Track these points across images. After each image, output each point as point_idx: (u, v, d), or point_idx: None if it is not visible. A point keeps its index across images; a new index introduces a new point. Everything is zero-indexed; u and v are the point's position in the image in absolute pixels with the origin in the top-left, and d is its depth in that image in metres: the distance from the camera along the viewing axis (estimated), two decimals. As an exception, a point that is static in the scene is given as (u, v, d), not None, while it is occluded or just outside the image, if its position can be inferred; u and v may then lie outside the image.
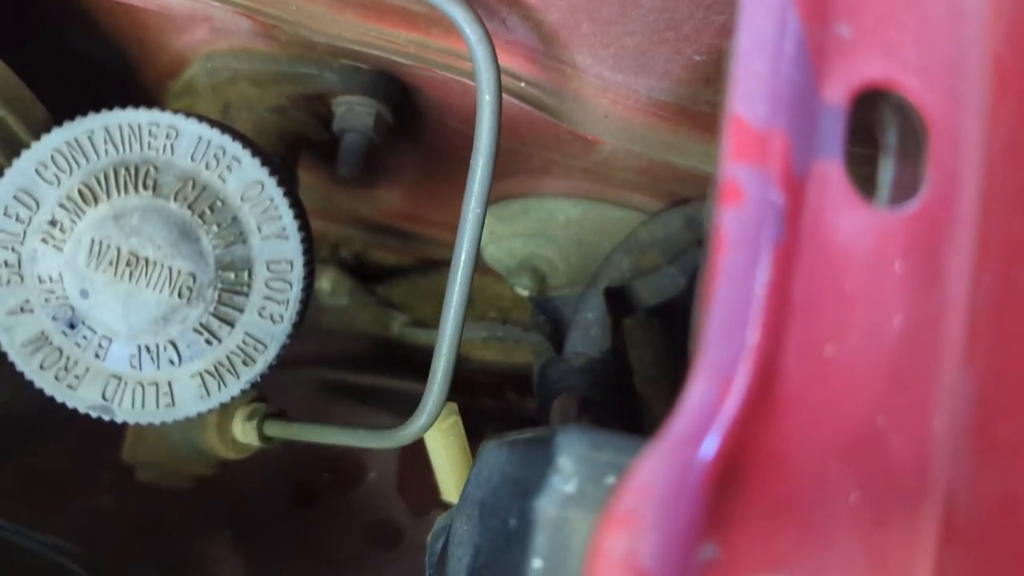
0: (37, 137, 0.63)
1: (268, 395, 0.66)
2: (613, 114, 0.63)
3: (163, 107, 0.81)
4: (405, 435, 0.58)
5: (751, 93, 0.28)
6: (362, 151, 0.71)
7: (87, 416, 0.45)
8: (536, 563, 0.37)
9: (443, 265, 1.09)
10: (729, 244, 0.27)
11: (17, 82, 0.61)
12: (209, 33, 0.69)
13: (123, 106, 0.79)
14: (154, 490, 0.76)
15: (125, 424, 0.47)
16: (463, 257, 0.54)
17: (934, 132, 0.31)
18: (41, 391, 0.46)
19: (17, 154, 0.61)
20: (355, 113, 0.70)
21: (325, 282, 1.03)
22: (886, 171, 0.32)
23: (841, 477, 0.29)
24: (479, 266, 0.62)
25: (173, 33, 0.70)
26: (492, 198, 0.54)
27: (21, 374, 0.47)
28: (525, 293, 0.86)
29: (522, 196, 0.83)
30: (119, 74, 0.77)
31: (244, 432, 0.64)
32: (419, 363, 1.00)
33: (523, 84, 0.61)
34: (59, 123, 0.66)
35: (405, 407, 0.99)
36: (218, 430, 0.64)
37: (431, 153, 0.83)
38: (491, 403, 1.01)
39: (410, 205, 0.97)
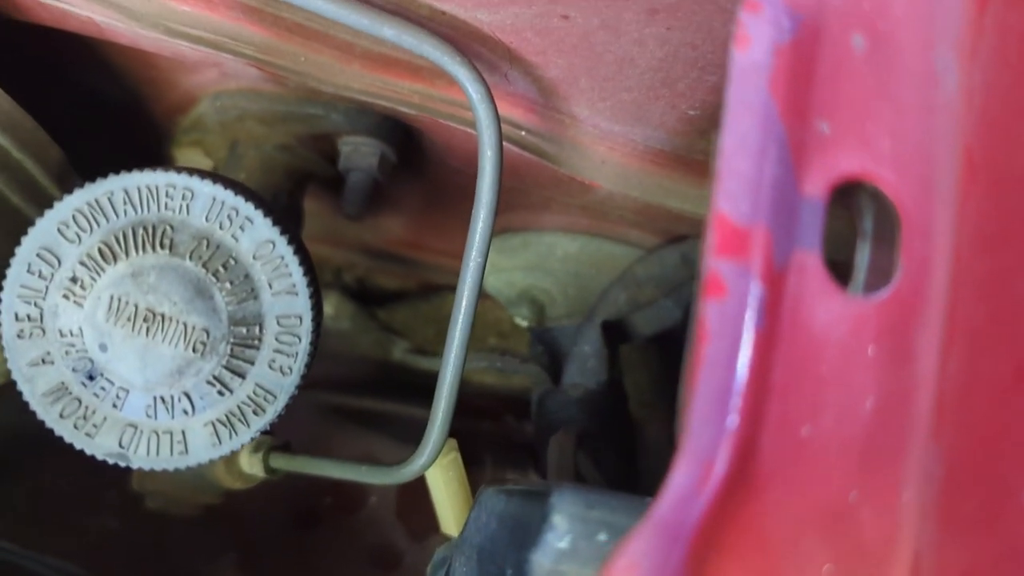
0: (54, 178, 0.65)
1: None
2: (610, 161, 0.65)
3: (172, 139, 0.83)
4: (407, 472, 0.60)
5: (734, 192, 0.30)
6: (367, 191, 0.73)
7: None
8: (531, 614, 0.39)
9: (444, 290, 1.11)
10: (712, 335, 0.29)
11: (33, 125, 0.63)
12: (218, 75, 0.71)
13: (136, 149, 0.81)
14: (160, 513, 0.78)
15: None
16: (464, 304, 0.56)
17: (907, 221, 0.33)
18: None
19: (36, 197, 0.63)
20: (360, 153, 0.73)
21: (328, 306, 1.05)
22: (862, 256, 0.34)
23: (815, 549, 0.31)
24: (480, 293, 0.64)
25: (183, 73, 0.72)
26: (493, 232, 0.56)
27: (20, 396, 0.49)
28: (524, 324, 0.88)
29: (522, 230, 0.85)
30: (129, 110, 0.80)
31: (250, 464, 0.66)
32: (421, 387, 1.02)
33: (523, 133, 0.63)
34: (73, 163, 0.68)
35: (406, 432, 1.01)
36: (225, 462, 0.66)
37: (433, 188, 0.85)
38: (490, 427, 1.03)
39: (412, 234, 0.99)
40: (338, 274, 1.11)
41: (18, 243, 0.54)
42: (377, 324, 1.06)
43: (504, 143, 0.57)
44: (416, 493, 0.80)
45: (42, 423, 0.49)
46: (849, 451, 0.31)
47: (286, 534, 0.89)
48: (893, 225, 0.34)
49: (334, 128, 0.73)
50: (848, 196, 0.34)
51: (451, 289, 1.17)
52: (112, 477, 0.75)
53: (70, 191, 0.66)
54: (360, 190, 0.73)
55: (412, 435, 1.02)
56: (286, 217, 0.73)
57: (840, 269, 0.35)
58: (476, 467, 1.02)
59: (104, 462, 0.57)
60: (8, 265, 0.56)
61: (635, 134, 0.63)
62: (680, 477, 0.28)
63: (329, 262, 1.10)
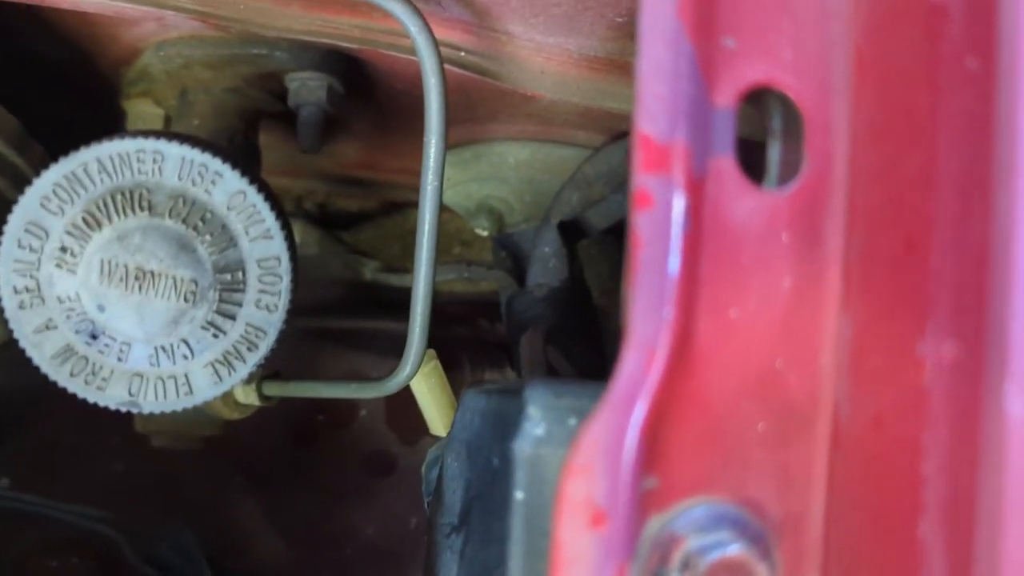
0: (15, 147, 0.67)
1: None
2: (549, 70, 0.68)
3: (119, 94, 0.84)
4: (392, 385, 0.65)
5: (653, 112, 0.34)
6: (319, 124, 0.75)
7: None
8: (519, 495, 0.44)
9: (405, 206, 1.14)
10: (644, 242, 0.34)
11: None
12: (159, 26, 0.72)
13: (86, 106, 0.82)
14: (164, 449, 0.83)
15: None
16: (426, 227, 0.59)
17: (809, 120, 0.37)
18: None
19: (1, 170, 0.65)
20: (308, 88, 0.75)
21: (294, 235, 1.08)
22: (773, 153, 0.39)
23: (750, 411, 0.36)
24: (440, 213, 0.68)
25: (123, 27, 0.73)
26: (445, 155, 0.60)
27: (20, 353, 0.52)
28: (484, 233, 0.92)
29: (472, 143, 0.89)
30: (73, 68, 0.80)
31: (245, 394, 0.70)
32: (394, 303, 1.06)
33: (463, 53, 0.66)
34: (28, 128, 0.70)
35: (385, 345, 1.07)
36: (222, 395, 0.70)
37: (382, 110, 0.87)
38: (464, 332, 1.08)
39: (367, 156, 1.01)
40: (299, 202, 1.14)
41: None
42: (344, 247, 1.10)
43: (446, 65, 0.59)
44: (403, 401, 0.85)
45: (43, 380, 0.52)
46: (772, 325, 0.36)
47: (285, 453, 0.94)
48: (798, 124, 0.38)
49: (279, 66, 0.74)
50: (757, 101, 0.39)
51: (411, 205, 1.21)
52: (113, 422, 0.80)
53: (31, 159, 0.68)
54: (312, 124, 0.75)
55: (392, 348, 1.07)
56: (251, 165, 0.75)
57: (757, 166, 0.39)
58: (455, 370, 1.08)
59: (107, 410, 0.61)
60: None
61: (569, 44, 0.65)
62: (628, 364, 0.33)
63: (289, 192, 1.12)
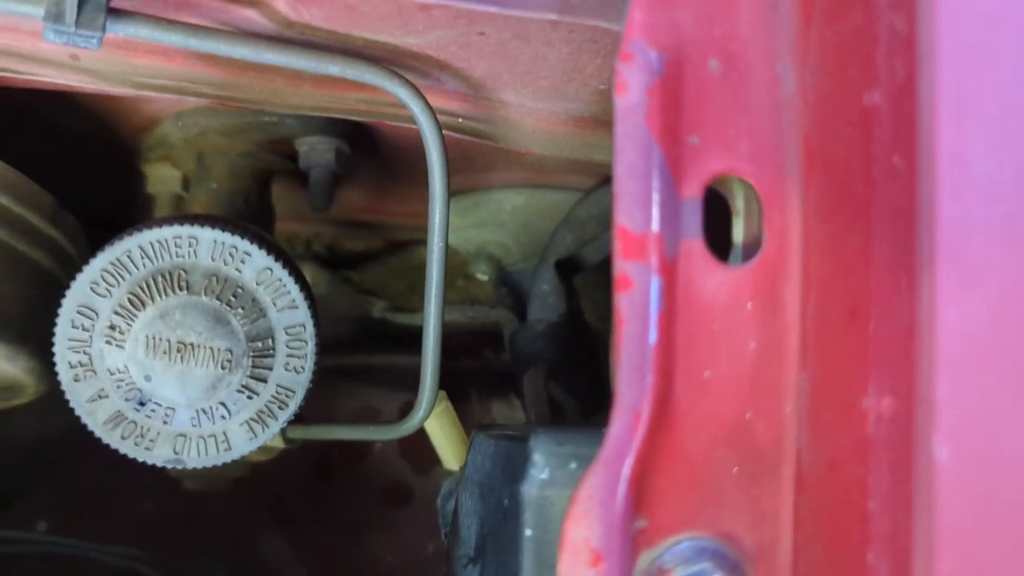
0: (50, 221, 0.73)
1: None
2: (539, 130, 0.74)
3: (139, 157, 0.90)
4: (407, 427, 0.70)
5: (629, 208, 0.40)
6: (329, 184, 0.81)
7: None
8: (528, 532, 0.50)
9: (409, 244, 1.20)
10: (626, 319, 0.40)
11: (26, 180, 0.70)
12: (176, 99, 0.78)
13: (107, 170, 0.88)
14: (196, 492, 0.88)
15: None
16: (434, 284, 0.65)
17: (766, 202, 0.43)
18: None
19: (37, 242, 0.71)
20: (317, 151, 0.81)
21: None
22: (737, 231, 0.45)
23: (725, 457, 0.42)
24: (446, 269, 0.73)
25: (143, 101, 0.79)
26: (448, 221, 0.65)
27: (50, 403, 0.57)
28: (484, 278, 0.98)
29: (472, 191, 0.94)
30: (94, 137, 0.86)
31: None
32: (402, 338, 1.12)
33: (460, 119, 0.71)
34: (54, 193, 0.75)
35: (396, 379, 1.12)
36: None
37: (386, 163, 0.93)
38: (470, 364, 1.14)
39: (372, 202, 1.07)
40: (308, 245, 1.19)
41: (26, 286, 0.63)
42: (352, 286, 1.15)
43: (445, 131, 0.65)
44: (416, 434, 0.91)
45: (75, 427, 0.58)
46: (741, 383, 0.42)
47: (307, 488, 1.00)
48: (758, 205, 0.44)
49: (290, 132, 0.80)
50: (723, 185, 0.44)
51: (415, 243, 1.26)
52: (144, 465, 0.85)
53: (65, 230, 0.74)
54: (323, 185, 0.81)
55: (403, 382, 1.12)
56: (267, 224, 0.81)
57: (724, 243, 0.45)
58: (463, 402, 1.14)
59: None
60: (15, 306, 0.66)
61: (557, 108, 0.71)
62: (617, 427, 0.39)
63: (298, 236, 1.18)
